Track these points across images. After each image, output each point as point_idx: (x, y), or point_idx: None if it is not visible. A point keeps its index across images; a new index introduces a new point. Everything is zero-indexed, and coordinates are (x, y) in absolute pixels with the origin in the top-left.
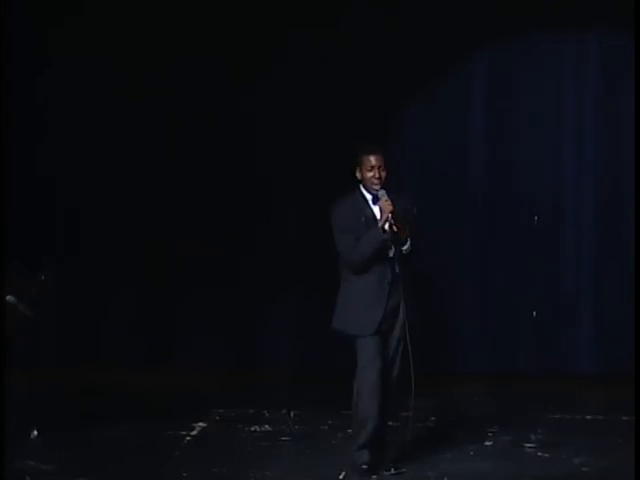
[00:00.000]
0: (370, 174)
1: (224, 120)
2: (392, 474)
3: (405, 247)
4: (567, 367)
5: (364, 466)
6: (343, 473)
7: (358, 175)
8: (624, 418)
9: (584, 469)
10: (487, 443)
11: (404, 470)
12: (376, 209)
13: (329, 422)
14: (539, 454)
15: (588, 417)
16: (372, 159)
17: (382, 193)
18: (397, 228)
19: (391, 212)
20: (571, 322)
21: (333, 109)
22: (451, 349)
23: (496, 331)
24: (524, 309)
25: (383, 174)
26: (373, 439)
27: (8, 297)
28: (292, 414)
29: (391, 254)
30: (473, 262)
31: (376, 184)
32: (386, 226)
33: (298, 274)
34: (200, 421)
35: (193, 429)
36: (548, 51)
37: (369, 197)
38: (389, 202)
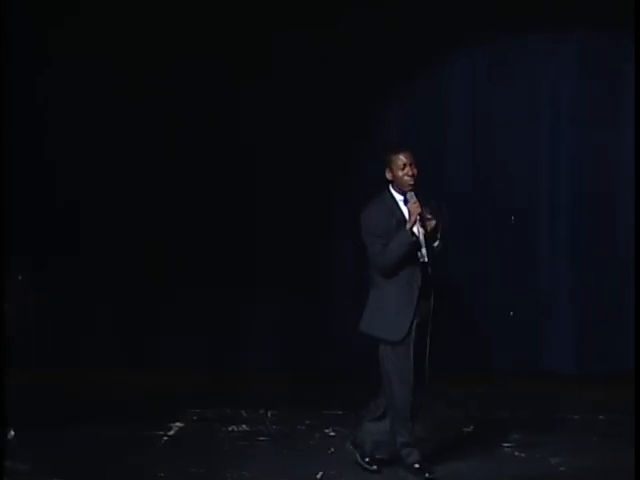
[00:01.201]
0: (402, 172)
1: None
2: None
3: (436, 244)
4: (545, 367)
5: (416, 465)
6: (320, 473)
7: (388, 176)
8: (601, 417)
9: (561, 469)
10: (465, 442)
11: (380, 469)
12: (407, 210)
13: (306, 422)
14: (516, 454)
15: (565, 417)
16: (402, 157)
17: (410, 195)
18: (426, 230)
19: (419, 214)
20: (549, 322)
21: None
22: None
23: (475, 330)
24: (503, 309)
25: (415, 171)
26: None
27: None
28: (269, 414)
29: (420, 257)
30: (453, 261)
31: (410, 182)
32: (414, 228)
33: (282, 276)
34: (177, 421)
35: (170, 429)
36: (529, 51)
37: (400, 198)
38: (417, 204)
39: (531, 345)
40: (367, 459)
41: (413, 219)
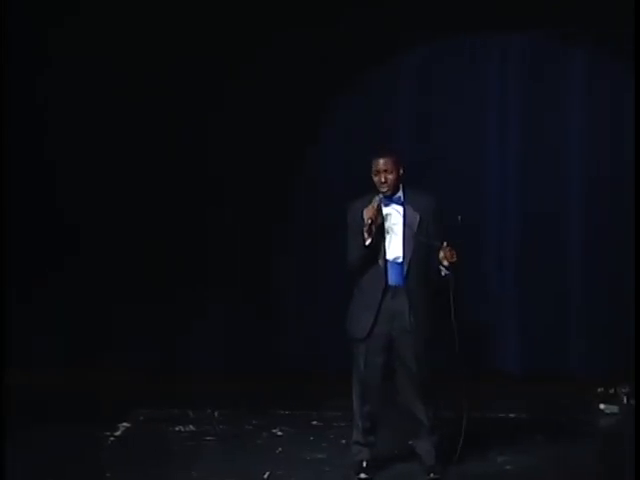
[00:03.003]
0: (376, 179)
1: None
2: None
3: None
4: (491, 366)
5: (363, 463)
6: (267, 473)
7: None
8: (548, 416)
9: (507, 467)
10: (411, 442)
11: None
12: (386, 210)
13: (254, 422)
14: (463, 452)
15: (511, 415)
16: (377, 163)
17: (375, 199)
18: (369, 236)
19: (370, 218)
20: (496, 320)
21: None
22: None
23: None
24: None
25: (390, 177)
26: (368, 436)
27: None
28: (217, 414)
29: (381, 262)
30: None
31: (384, 189)
32: (367, 233)
33: (232, 276)
34: (124, 421)
35: (117, 429)
36: (477, 53)
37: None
38: (372, 209)
39: (476, 344)
40: None
41: (366, 223)
